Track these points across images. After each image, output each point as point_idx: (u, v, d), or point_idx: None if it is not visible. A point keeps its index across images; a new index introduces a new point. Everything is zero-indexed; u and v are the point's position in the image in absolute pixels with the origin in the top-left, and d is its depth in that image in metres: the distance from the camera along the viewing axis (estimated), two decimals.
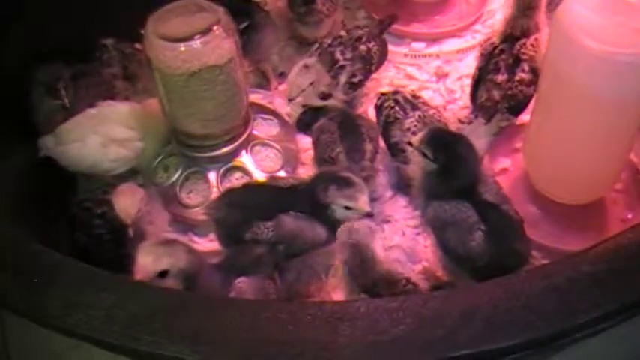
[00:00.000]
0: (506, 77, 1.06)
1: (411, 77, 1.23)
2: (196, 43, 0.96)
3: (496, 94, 1.07)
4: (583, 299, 0.59)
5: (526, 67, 1.05)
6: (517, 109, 1.06)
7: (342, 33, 1.13)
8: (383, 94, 1.09)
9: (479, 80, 1.09)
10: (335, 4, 1.24)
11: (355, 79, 1.11)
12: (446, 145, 0.89)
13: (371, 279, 0.84)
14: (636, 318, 0.60)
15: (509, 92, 1.06)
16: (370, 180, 1.00)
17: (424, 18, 1.30)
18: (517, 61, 1.05)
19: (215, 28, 0.97)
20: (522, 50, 1.05)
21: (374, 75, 1.20)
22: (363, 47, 1.12)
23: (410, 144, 0.91)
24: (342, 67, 1.09)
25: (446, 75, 1.23)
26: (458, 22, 1.29)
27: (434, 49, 1.26)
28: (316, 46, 1.13)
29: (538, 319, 0.60)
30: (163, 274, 0.80)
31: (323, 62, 1.10)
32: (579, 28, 0.84)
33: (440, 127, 0.98)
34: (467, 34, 1.29)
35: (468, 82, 1.19)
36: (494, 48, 1.08)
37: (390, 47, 1.24)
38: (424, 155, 0.89)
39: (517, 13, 1.08)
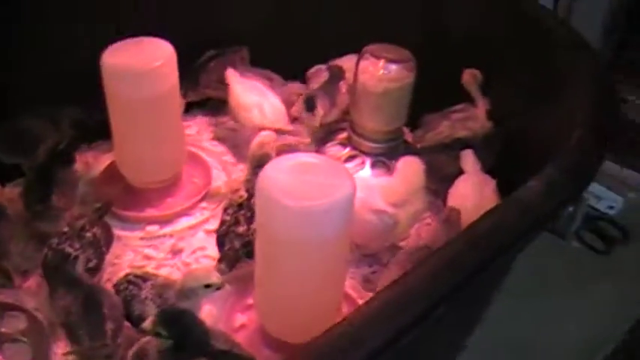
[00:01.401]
0: (245, 228, 1.21)
1: (148, 258, 1.32)
2: None
3: (237, 243, 1.21)
4: None
5: None
6: (253, 253, 1.17)
7: (65, 229, 1.20)
8: (116, 283, 1.17)
9: (224, 233, 1.23)
10: (71, 199, 1.32)
11: (91, 264, 1.18)
12: (176, 320, 0.98)
13: None
14: None
15: (247, 239, 1.20)
16: (113, 358, 1.06)
17: (156, 203, 1.41)
18: (253, 212, 1.18)
19: None
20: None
21: (115, 260, 1.30)
22: (88, 234, 1.20)
23: (143, 330, 0.98)
24: (76, 257, 1.16)
25: (181, 250, 1.34)
26: (186, 202, 1.42)
27: (167, 229, 1.38)
28: (45, 250, 1.19)
29: None
30: None
31: (57, 260, 1.16)
32: (278, 190, 0.99)
33: (165, 309, 1.06)
34: (196, 212, 1.42)
35: (201, 254, 1.33)
36: (237, 204, 1.23)
37: (127, 233, 1.35)
38: (159, 335, 0.96)
39: (251, 177, 1.23)
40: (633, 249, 1.57)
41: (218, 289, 1.05)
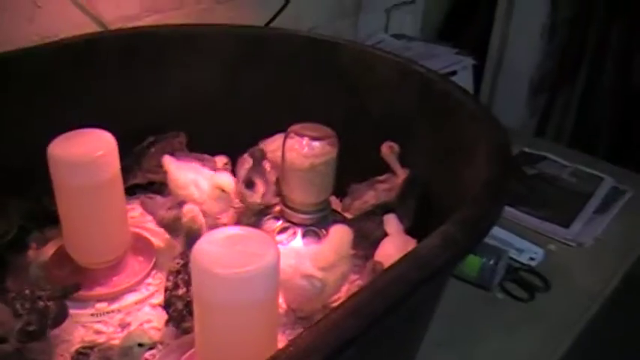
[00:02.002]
0: (185, 290, 1.32)
1: (99, 332, 1.40)
2: None
3: (180, 304, 1.32)
4: None
5: None
6: None
7: (26, 291, 1.28)
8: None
9: (168, 299, 1.33)
10: (24, 283, 1.41)
11: (30, 328, 1.24)
12: None
13: None
14: None
15: (188, 299, 1.30)
16: None
17: (104, 281, 1.50)
18: (190, 276, 1.26)
19: None
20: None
21: (67, 337, 1.37)
22: (41, 303, 1.28)
23: None
24: (19, 315, 1.24)
25: (128, 324, 1.42)
26: (132, 280, 1.51)
27: (116, 305, 1.47)
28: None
29: None
30: None
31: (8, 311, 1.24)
32: (209, 260, 1.09)
33: None
34: (142, 288, 1.51)
35: (147, 326, 1.41)
36: (175, 271, 1.35)
37: (78, 310, 1.43)
38: None
39: (184, 248, 1.34)
40: (554, 296, 1.69)
41: (151, 348, 1.21)
